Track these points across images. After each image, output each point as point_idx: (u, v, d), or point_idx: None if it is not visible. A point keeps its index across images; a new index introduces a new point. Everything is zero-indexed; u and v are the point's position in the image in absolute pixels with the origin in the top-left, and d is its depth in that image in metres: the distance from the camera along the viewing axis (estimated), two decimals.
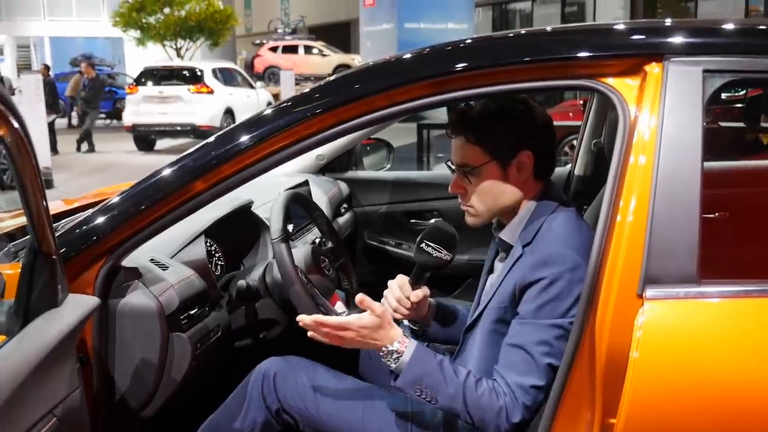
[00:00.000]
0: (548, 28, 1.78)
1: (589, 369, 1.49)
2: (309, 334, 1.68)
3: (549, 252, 1.63)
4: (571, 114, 9.96)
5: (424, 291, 1.86)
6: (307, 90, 1.77)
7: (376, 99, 1.65)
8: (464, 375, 1.64)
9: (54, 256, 1.41)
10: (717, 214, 2.24)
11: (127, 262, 1.80)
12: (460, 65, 1.62)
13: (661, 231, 1.45)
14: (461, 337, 1.87)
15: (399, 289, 1.84)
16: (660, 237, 1.45)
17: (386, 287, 1.88)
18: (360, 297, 1.67)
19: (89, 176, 11.41)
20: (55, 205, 2.71)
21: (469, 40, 1.73)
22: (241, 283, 2.10)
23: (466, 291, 3.12)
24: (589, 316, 1.48)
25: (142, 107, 14.49)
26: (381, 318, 1.65)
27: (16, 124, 1.17)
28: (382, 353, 1.65)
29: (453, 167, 1.78)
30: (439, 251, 1.78)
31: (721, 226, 2.27)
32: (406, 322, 2.06)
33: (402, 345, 1.65)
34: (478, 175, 1.72)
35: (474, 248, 3.17)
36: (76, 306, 1.47)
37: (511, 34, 1.82)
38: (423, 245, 1.79)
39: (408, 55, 1.74)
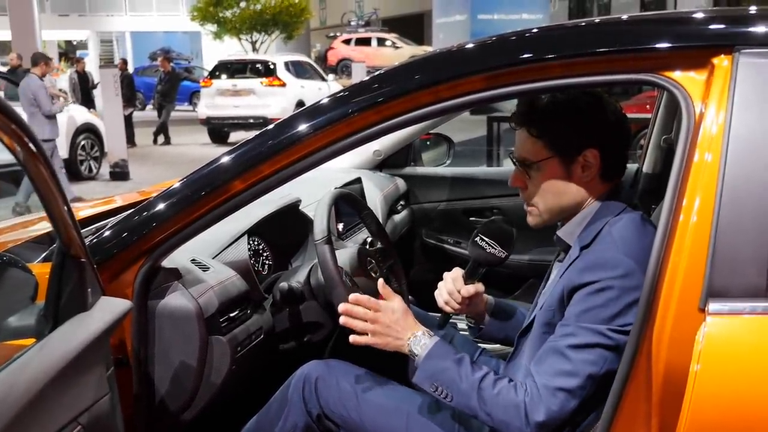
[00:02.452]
0: (606, 19, 1.66)
1: (645, 387, 1.39)
2: (342, 321, 1.66)
3: (602, 256, 1.53)
4: (648, 106, 9.61)
5: (477, 287, 1.82)
6: (350, 86, 1.70)
7: (420, 95, 1.57)
8: (481, 373, 1.58)
9: (83, 259, 1.38)
10: None
11: (168, 262, 1.77)
12: (509, 59, 1.53)
13: (727, 238, 1.33)
14: (515, 341, 1.80)
15: (452, 282, 1.81)
16: (725, 245, 1.33)
17: None
18: (381, 282, 1.68)
19: (164, 168, 11.66)
20: (131, 197, 2.74)
21: (520, 32, 1.62)
22: (283, 285, 2.05)
23: (527, 292, 3.02)
24: (645, 332, 1.37)
25: (216, 100, 14.78)
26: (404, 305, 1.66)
27: (21, 134, 1.15)
28: (408, 345, 1.63)
29: (515, 160, 1.69)
30: (493, 247, 1.75)
31: None
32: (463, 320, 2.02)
33: (424, 338, 1.63)
34: (539, 171, 1.63)
35: (536, 248, 3.06)
36: (107, 310, 1.44)
37: (566, 25, 1.71)
38: (477, 239, 1.77)
39: (456, 49, 1.65)
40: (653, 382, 1.36)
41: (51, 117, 8.48)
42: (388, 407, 1.78)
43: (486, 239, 1.75)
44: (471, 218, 3.30)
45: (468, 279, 1.81)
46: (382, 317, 1.65)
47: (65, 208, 1.28)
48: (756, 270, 1.32)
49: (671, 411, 1.33)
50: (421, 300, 2.41)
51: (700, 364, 1.29)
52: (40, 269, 1.50)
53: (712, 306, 1.32)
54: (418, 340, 1.63)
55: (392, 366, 1.91)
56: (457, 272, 1.83)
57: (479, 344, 2.12)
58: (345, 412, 1.79)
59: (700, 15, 1.52)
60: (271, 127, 1.68)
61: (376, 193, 2.96)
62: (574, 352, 1.50)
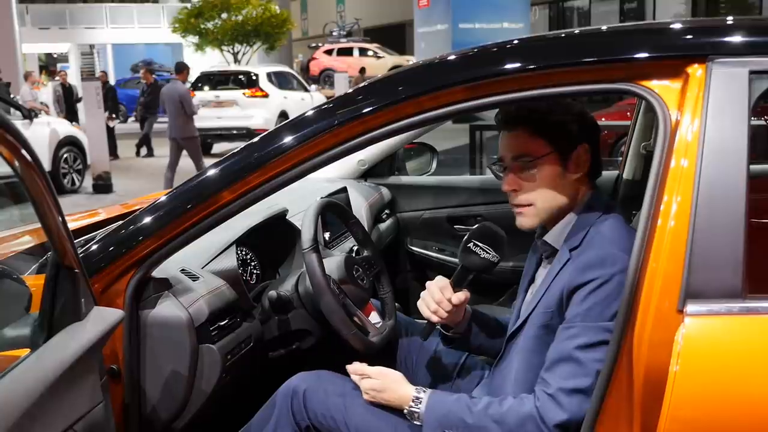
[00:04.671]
0: (583, 30, 1.71)
1: (627, 387, 1.42)
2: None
3: (599, 254, 1.57)
4: (628, 113, 9.70)
5: (465, 294, 1.83)
6: (335, 98, 1.74)
7: (403, 106, 1.61)
8: (484, 401, 1.63)
9: (76, 270, 1.40)
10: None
11: (158, 273, 1.79)
12: (490, 71, 1.57)
13: (704, 241, 1.37)
14: (503, 346, 1.83)
15: (440, 291, 1.81)
16: (702, 248, 1.37)
17: None
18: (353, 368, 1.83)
19: (147, 180, 11.61)
20: (115, 209, 2.75)
21: (501, 44, 1.67)
22: (272, 293, 2.08)
23: (511, 299, 3.05)
24: (626, 333, 1.41)
25: (199, 112, 14.72)
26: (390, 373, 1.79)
27: (17, 144, 1.16)
28: (409, 407, 1.71)
29: (504, 165, 1.72)
30: (487, 252, 1.76)
31: None
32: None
33: (419, 392, 1.71)
34: (538, 168, 1.67)
35: (519, 255, 3.09)
36: (100, 320, 1.45)
37: (545, 36, 1.76)
38: (471, 245, 1.77)
39: (438, 60, 1.69)
40: (635, 381, 1.40)
41: (191, 117, 9.50)
42: (377, 418, 1.78)
43: (480, 244, 1.76)
44: (455, 226, 3.33)
45: (456, 286, 1.81)
46: (368, 383, 1.79)
47: (60, 219, 1.30)
48: (732, 272, 1.36)
49: (652, 410, 1.36)
50: (407, 307, 2.45)
51: (679, 364, 1.33)
52: (34, 281, 1.52)
53: (690, 307, 1.35)
54: (417, 404, 1.70)
55: None
56: (444, 281, 1.82)
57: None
58: (334, 423, 1.79)
59: (674, 26, 1.57)
60: (257, 138, 1.71)
61: (361, 202, 2.99)
62: (584, 352, 1.54)
